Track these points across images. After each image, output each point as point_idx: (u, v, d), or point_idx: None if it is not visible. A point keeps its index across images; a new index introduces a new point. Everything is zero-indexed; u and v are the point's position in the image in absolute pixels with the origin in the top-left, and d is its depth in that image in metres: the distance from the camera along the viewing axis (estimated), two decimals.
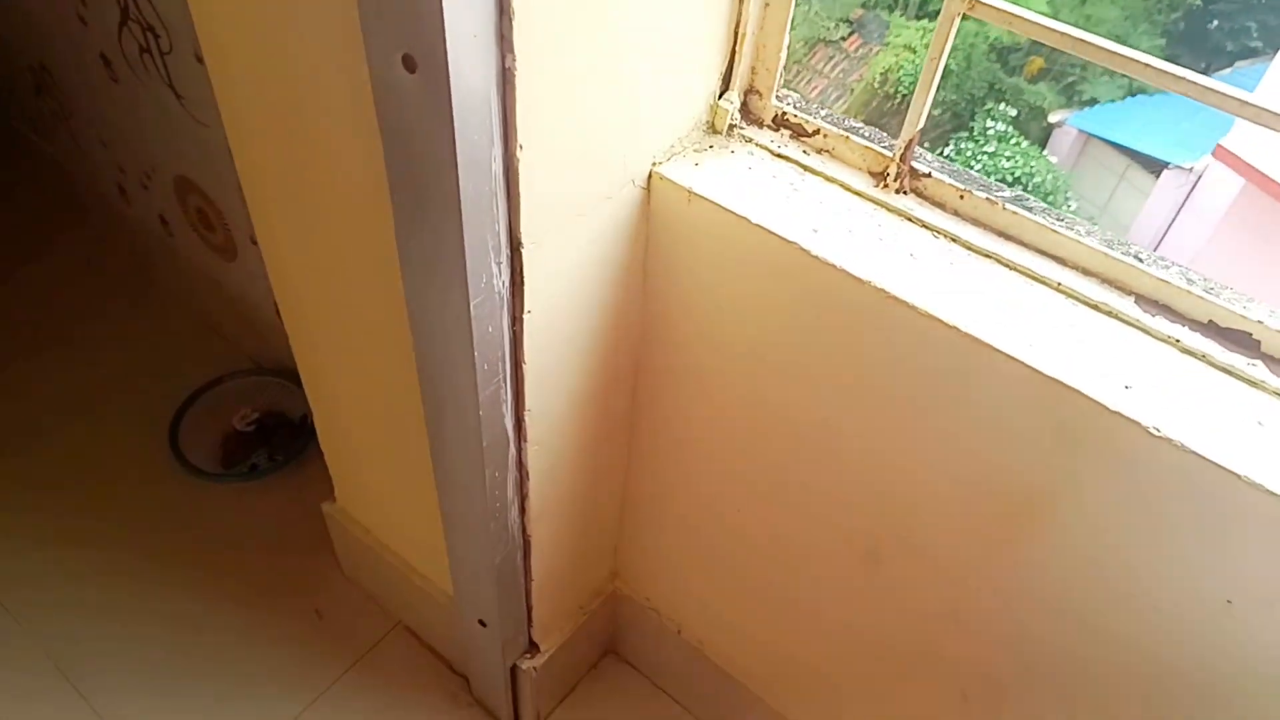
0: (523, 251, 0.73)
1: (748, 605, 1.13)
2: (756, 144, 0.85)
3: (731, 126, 0.86)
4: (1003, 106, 7.06)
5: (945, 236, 0.78)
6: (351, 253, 0.86)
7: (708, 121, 0.86)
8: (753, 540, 1.05)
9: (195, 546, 1.49)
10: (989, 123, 7.01)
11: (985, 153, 6.83)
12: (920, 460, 0.82)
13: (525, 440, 0.89)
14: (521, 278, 0.75)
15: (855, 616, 1.00)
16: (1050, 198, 6.71)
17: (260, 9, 0.74)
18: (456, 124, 0.60)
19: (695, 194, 0.80)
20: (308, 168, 0.83)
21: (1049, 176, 6.82)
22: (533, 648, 1.22)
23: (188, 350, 1.78)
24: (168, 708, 1.32)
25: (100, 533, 1.50)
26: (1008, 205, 0.77)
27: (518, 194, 0.69)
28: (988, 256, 0.76)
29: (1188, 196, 6.73)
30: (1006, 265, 0.76)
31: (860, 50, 7.30)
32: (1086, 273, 0.75)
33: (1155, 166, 6.74)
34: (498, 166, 0.66)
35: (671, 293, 0.90)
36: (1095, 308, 0.73)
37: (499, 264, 0.72)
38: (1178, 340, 0.70)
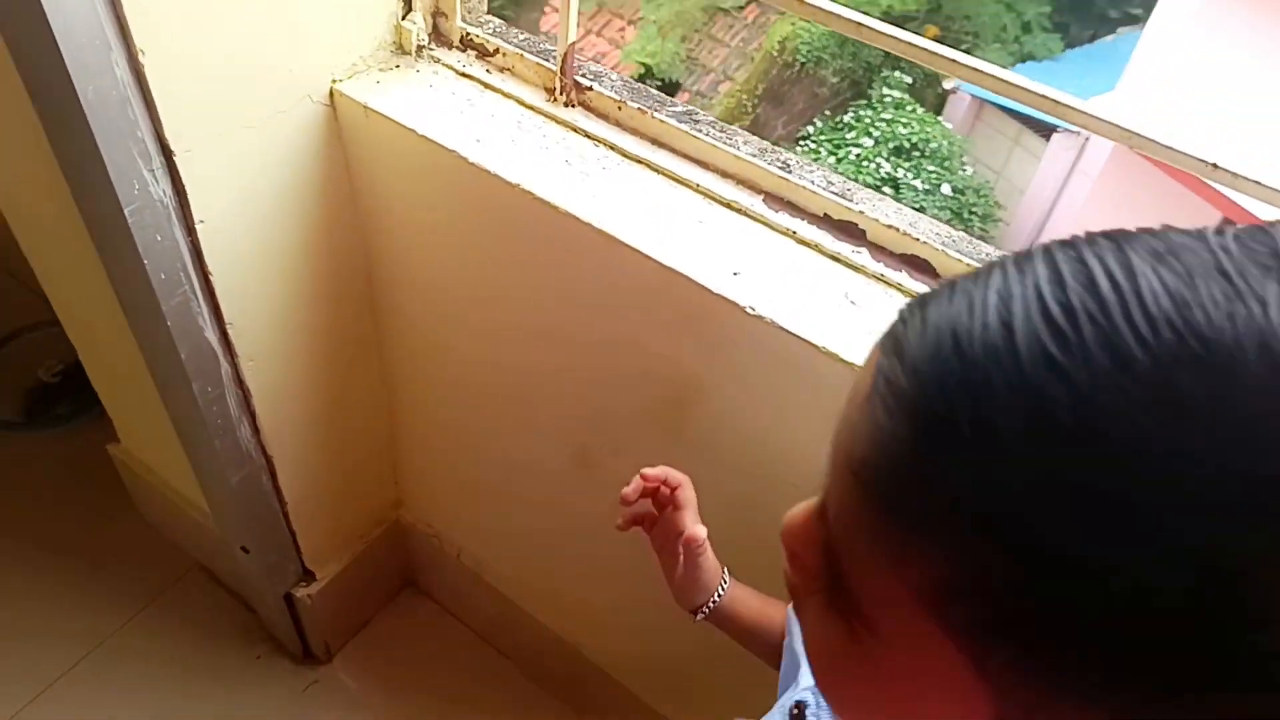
0: (175, 159, 0.75)
1: (505, 523, 1.18)
2: (443, 64, 0.89)
3: (420, 48, 0.89)
4: (898, 74, 7.20)
5: (604, 145, 0.83)
6: (42, 170, 0.88)
7: (394, 42, 0.89)
8: (499, 459, 1.10)
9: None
10: (885, 90, 7.15)
11: (883, 120, 6.96)
12: (600, 363, 0.87)
13: (237, 355, 0.92)
14: (183, 185, 0.77)
15: (582, 520, 1.05)
16: (946, 163, 6.88)
17: None
18: (55, 27, 0.63)
19: (371, 109, 0.83)
20: None
21: (944, 142, 6.99)
22: (308, 575, 1.25)
23: None
24: None
25: None
26: (657, 114, 0.82)
27: (153, 100, 0.71)
28: (639, 162, 0.82)
29: (1077, 159, 6.97)
30: (654, 169, 0.81)
31: (759, 20, 7.38)
32: (724, 175, 0.80)
33: (1045, 130, 6.96)
34: (122, 72, 0.68)
35: (381, 213, 0.94)
36: (728, 205, 0.78)
37: (152, 171, 0.75)
38: (794, 232, 0.76)
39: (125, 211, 0.74)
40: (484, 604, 1.32)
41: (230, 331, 0.90)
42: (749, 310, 0.70)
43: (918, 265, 0.74)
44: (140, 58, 0.68)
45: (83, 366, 1.61)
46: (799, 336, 0.69)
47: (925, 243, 0.73)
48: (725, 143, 0.80)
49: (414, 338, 1.06)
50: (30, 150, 0.81)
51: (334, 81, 0.85)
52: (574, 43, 0.81)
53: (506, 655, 1.38)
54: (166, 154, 0.75)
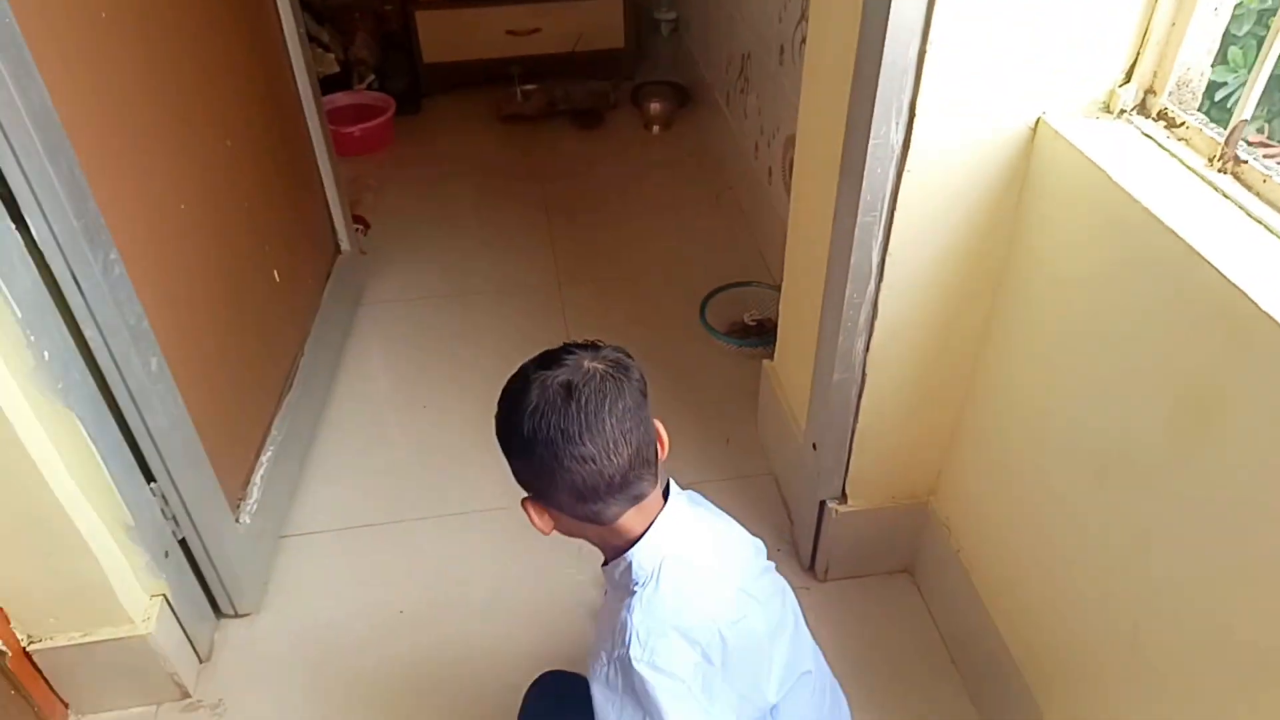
0: (915, 121, 1.13)
1: (1018, 535, 1.34)
2: (1135, 126, 1.13)
3: (1122, 111, 1.14)
4: None
5: (1246, 213, 0.97)
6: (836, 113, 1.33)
7: (1104, 103, 1.15)
8: (1034, 479, 1.27)
9: (697, 374, 2.12)
10: None
11: None
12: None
13: (883, 280, 1.28)
14: (910, 140, 1.15)
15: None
16: None
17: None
18: (892, 14, 1.04)
19: (1063, 137, 1.11)
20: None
21: None
22: (843, 497, 1.56)
23: (738, 257, 2.44)
24: None
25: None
26: None
27: (920, 79, 1.09)
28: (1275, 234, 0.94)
29: None
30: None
31: None
32: None
33: None
34: (912, 52, 1.08)
35: (1034, 230, 1.21)
36: None
37: (897, 123, 1.13)
38: None
39: (870, 143, 1.15)
40: (963, 610, 1.48)
41: (887, 260, 1.26)
42: None
43: None
44: (927, 48, 1.07)
45: (771, 320, 2.16)
46: None
47: None
48: None
49: (1010, 345, 1.30)
50: (837, 97, 1.27)
51: (1043, 113, 1.15)
52: (1244, 120, 0.98)
53: (959, 669, 1.51)
54: (911, 115, 1.13)
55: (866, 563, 1.65)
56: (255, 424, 1.71)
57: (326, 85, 2.74)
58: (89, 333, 1.20)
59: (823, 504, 1.58)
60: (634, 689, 0.88)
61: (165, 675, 1.45)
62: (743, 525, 1.08)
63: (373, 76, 3.16)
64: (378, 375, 2.17)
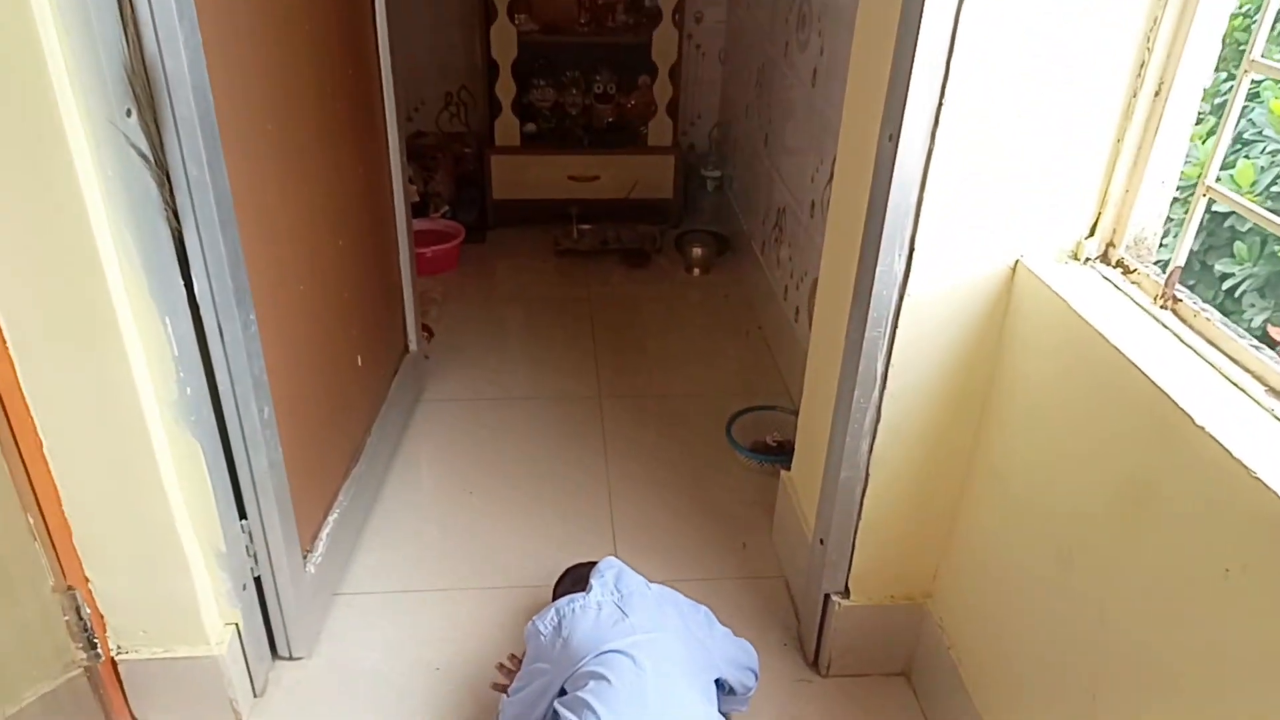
0: (914, 254, 1.38)
1: (1007, 644, 1.50)
2: (1096, 271, 1.37)
3: (1087, 259, 1.39)
4: None
5: (1178, 339, 1.20)
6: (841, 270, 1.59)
7: (1072, 251, 1.40)
8: (1030, 591, 1.45)
9: (720, 485, 2.32)
10: None
11: None
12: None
13: (886, 388, 1.50)
14: (909, 269, 1.39)
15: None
16: None
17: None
18: (896, 170, 1.32)
19: (1037, 277, 1.35)
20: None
21: None
22: (846, 592, 1.72)
23: (764, 385, 2.68)
24: None
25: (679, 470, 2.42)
26: (1217, 323, 1.17)
27: (918, 220, 1.35)
28: (1206, 361, 1.16)
29: None
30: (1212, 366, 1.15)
31: None
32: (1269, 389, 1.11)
33: None
34: (912, 199, 1.34)
35: (1014, 353, 1.43)
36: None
37: (899, 255, 1.39)
38: None
39: (877, 269, 1.40)
40: (955, 709, 1.62)
41: (890, 370, 1.48)
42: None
43: None
44: (924, 195, 1.34)
45: (791, 442, 2.36)
46: None
47: None
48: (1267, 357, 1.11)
49: (998, 452, 1.50)
50: (853, 240, 1.53)
51: (1021, 256, 1.40)
52: (1179, 266, 1.22)
53: None
54: (911, 249, 1.38)
55: (867, 661, 1.79)
56: (328, 486, 1.93)
57: None
58: (220, 377, 1.44)
59: (827, 597, 1.74)
60: None
61: (226, 700, 1.61)
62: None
63: (447, 207, 3.54)
64: (431, 462, 2.39)
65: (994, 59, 1.26)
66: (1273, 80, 2.62)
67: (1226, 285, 3.11)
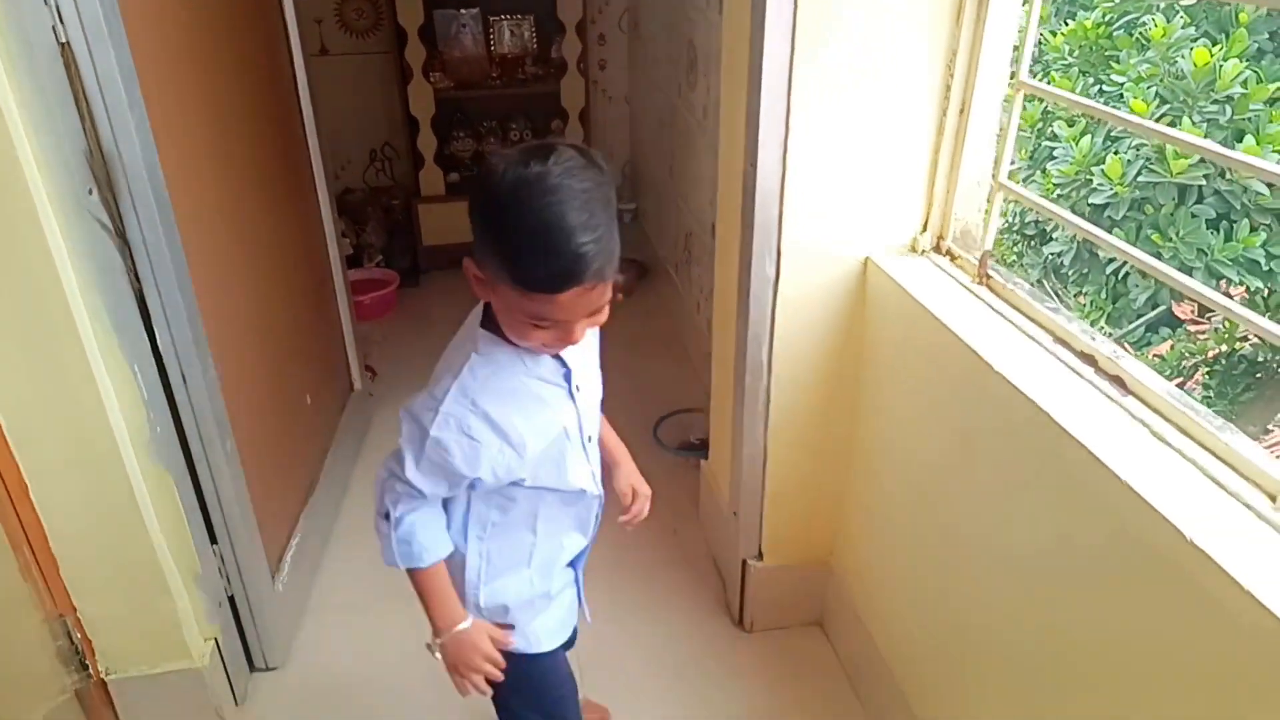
0: (781, 259, 1.63)
1: (915, 603, 1.75)
2: (930, 261, 1.64)
3: (922, 251, 1.66)
4: None
5: (990, 308, 1.46)
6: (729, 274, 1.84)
7: (910, 246, 1.67)
8: (912, 545, 1.70)
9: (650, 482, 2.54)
10: None
11: None
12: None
13: (772, 373, 1.74)
14: (779, 273, 1.65)
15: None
16: None
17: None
18: (758, 192, 1.57)
19: (884, 272, 1.62)
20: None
21: None
22: (760, 555, 1.96)
23: (685, 391, 2.92)
24: None
25: None
26: (1021, 292, 1.44)
27: (781, 231, 1.61)
28: (1010, 323, 1.43)
29: None
30: (1015, 326, 1.42)
31: None
32: (1056, 338, 1.38)
33: None
34: (774, 213, 1.60)
35: (874, 338, 1.69)
36: (1077, 358, 1.36)
37: (770, 260, 1.64)
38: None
39: (752, 276, 1.65)
40: (861, 652, 1.85)
41: (773, 358, 1.73)
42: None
43: None
44: (784, 209, 1.59)
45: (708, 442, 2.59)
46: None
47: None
48: (1055, 313, 1.37)
49: (871, 422, 1.75)
50: (735, 254, 1.78)
51: (869, 254, 1.66)
52: (988, 251, 1.49)
53: (864, 706, 1.86)
54: (779, 255, 1.64)
55: (784, 615, 2.03)
56: (290, 511, 2.11)
57: None
58: (186, 416, 1.63)
59: (744, 562, 1.97)
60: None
61: (211, 709, 1.78)
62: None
63: (380, 257, 3.73)
64: None
65: (828, 97, 1.53)
66: (1131, 82, 3.00)
67: (1110, 269, 3.45)
